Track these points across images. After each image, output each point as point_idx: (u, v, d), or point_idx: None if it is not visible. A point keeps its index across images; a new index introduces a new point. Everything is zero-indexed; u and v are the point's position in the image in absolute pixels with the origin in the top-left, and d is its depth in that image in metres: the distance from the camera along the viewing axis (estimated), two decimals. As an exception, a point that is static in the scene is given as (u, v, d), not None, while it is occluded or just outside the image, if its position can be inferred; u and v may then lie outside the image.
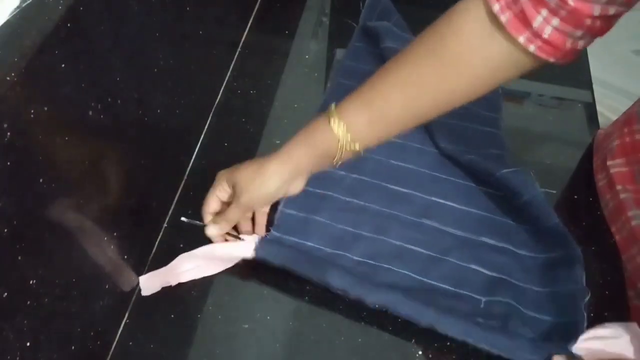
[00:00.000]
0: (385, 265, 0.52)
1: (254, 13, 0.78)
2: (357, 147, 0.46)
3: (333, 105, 0.46)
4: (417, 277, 0.51)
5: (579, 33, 0.37)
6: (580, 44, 0.39)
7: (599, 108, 0.68)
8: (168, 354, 0.48)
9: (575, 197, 0.60)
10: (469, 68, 0.42)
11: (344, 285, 0.48)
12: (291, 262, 0.50)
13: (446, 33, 0.42)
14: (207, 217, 0.51)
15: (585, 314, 0.46)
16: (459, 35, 0.41)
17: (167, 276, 0.50)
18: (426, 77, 0.43)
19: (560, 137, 0.65)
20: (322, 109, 0.62)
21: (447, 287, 0.51)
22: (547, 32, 0.37)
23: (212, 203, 0.50)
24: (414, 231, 0.54)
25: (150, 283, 0.50)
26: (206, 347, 0.48)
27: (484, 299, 0.50)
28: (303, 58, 0.73)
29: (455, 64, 0.42)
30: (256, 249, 0.51)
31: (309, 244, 0.53)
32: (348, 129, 0.45)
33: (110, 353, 0.47)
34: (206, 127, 0.64)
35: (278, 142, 0.62)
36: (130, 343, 0.48)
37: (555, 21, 0.37)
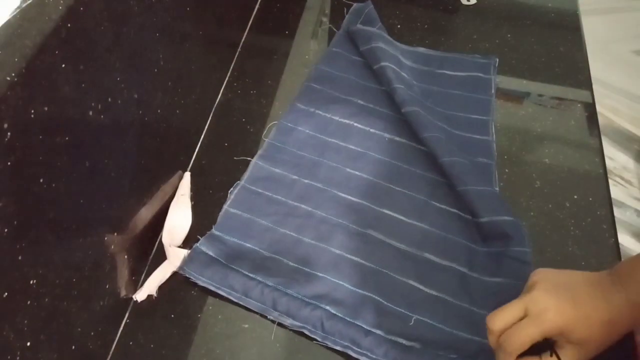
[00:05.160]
0: (319, 274, 0.50)
1: (254, 13, 0.78)
2: None
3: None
4: (352, 288, 0.50)
5: None
6: None
7: (598, 108, 0.68)
8: (168, 354, 0.48)
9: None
10: None
11: (261, 308, 0.48)
12: (216, 282, 0.50)
13: None
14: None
15: None
16: None
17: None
18: None
19: (559, 137, 0.66)
20: (292, 111, 0.64)
21: (380, 299, 0.49)
22: None
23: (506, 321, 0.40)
24: (357, 241, 0.53)
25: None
26: (206, 347, 0.48)
27: (414, 317, 0.48)
28: (303, 58, 0.73)
29: None
30: (184, 263, 0.50)
31: (248, 245, 0.52)
32: None
33: (110, 353, 0.47)
34: (206, 127, 0.64)
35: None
36: (130, 343, 0.48)
37: None
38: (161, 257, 0.53)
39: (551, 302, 0.38)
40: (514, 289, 0.47)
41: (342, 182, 0.58)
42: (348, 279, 0.50)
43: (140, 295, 0.50)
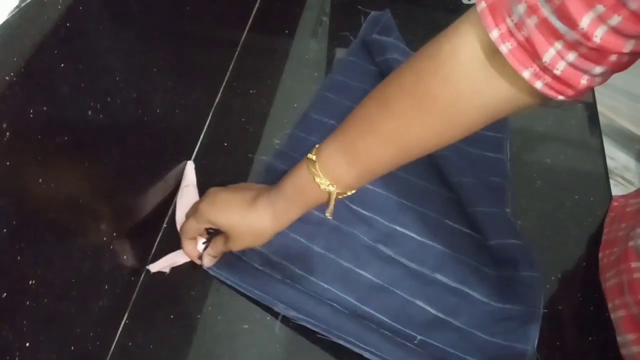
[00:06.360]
0: (325, 285, 0.50)
1: (254, 13, 0.78)
2: (348, 194, 0.46)
3: (313, 159, 0.44)
4: (356, 303, 0.49)
5: (599, 70, 0.31)
6: (597, 81, 0.32)
7: (599, 108, 0.68)
8: (168, 354, 0.47)
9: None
10: (461, 116, 0.38)
11: (266, 300, 0.49)
12: (223, 270, 0.51)
13: (432, 82, 0.37)
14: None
15: None
16: (448, 83, 0.36)
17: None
18: (414, 129, 0.40)
19: (560, 137, 0.65)
20: (305, 120, 0.64)
21: (384, 318, 0.49)
22: (559, 68, 0.31)
23: (192, 244, 0.51)
24: (366, 255, 0.53)
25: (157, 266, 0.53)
26: (206, 347, 0.48)
27: (419, 337, 0.48)
28: (303, 58, 0.73)
29: (446, 113, 0.38)
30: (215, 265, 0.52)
31: (257, 249, 0.52)
32: (336, 184, 0.44)
33: (110, 353, 0.47)
34: (206, 127, 0.64)
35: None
36: (130, 343, 0.48)
37: (572, 56, 0.30)
38: (161, 257, 0.53)
39: (204, 204, 0.49)
40: (524, 316, 0.47)
41: (354, 195, 0.57)
42: (353, 293, 0.50)
43: (153, 267, 0.51)
